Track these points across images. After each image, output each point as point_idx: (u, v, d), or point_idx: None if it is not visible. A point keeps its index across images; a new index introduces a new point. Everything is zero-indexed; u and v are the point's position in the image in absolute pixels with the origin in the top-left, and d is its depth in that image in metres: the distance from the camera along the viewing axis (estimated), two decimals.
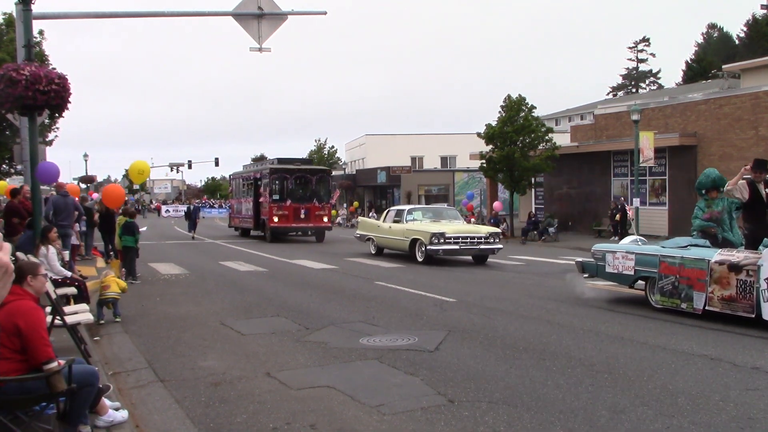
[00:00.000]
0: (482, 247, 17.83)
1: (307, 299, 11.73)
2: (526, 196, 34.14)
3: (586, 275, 11.71)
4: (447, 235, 17.41)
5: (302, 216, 26.66)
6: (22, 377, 4.37)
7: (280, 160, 29.02)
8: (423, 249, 17.64)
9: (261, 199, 27.95)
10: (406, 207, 21.04)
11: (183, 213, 42.60)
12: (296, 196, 27.08)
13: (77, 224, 16.37)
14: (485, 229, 18.72)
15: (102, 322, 9.39)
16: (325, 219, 27.42)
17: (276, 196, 26.77)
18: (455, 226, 18.31)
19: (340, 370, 6.82)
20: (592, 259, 11.58)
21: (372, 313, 10.18)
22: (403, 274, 15.50)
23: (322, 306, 10.93)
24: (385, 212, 21.19)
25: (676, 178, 27.10)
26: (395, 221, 19.54)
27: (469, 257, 18.49)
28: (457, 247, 17.53)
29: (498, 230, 19.27)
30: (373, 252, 20.64)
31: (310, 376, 6.63)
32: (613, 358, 7.18)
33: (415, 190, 50.25)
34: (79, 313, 7.51)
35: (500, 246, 18.25)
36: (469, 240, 17.70)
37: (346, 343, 8.05)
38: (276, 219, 26.45)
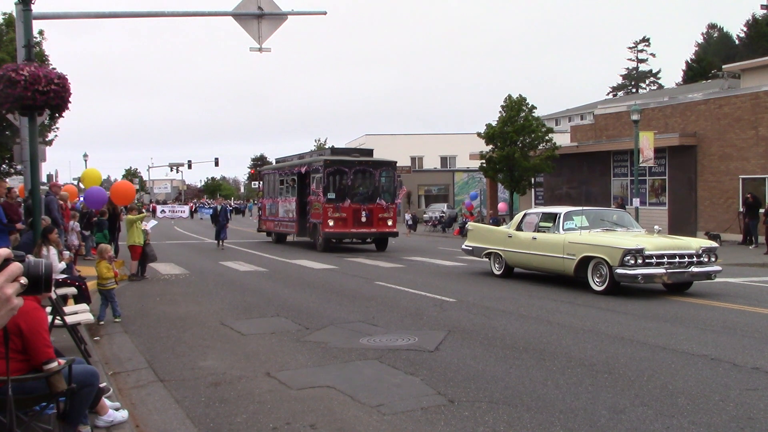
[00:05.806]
0: (694, 270, 11.89)
1: (307, 299, 11.73)
2: (526, 196, 34.15)
3: None
4: (647, 253, 11.65)
5: (363, 219, 21.98)
6: (22, 377, 4.36)
7: (334, 151, 24.68)
8: (604, 272, 11.99)
9: (311, 198, 23.25)
10: (560, 210, 13.92)
11: (209, 215, 37.48)
12: (356, 195, 22.42)
13: (74, 223, 16.38)
14: (695, 243, 12.58)
15: (102, 322, 9.40)
16: (390, 223, 22.52)
17: (331, 195, 21.98)
18: (651, 239, 12.36)
19: (340, 370, 6.82)
20: None
21: (372, 313, 10.18)
22: (403, 274, 15.50)
23: (322, 306, 10.93)
24: (520, 216, 15.14)
25: (676, 178, 27.12)
26: (541, 230, 13.78)
27: (660, 284, 12.36)
28: (662, 270, 11.64)
29: (714, 245, 12.68)
30: (498, 272, 14.90)
31: (310, 376, 6.62)
32: (613, 358, 7.18)
33: (415, 190, 50.28)
34: (79, 313, 7.53)
35: (719, 268, 12.38)
36: (677, 260, 11.84)
37: (346, 343, 8.05)
38: (331, 223, 21.71)
